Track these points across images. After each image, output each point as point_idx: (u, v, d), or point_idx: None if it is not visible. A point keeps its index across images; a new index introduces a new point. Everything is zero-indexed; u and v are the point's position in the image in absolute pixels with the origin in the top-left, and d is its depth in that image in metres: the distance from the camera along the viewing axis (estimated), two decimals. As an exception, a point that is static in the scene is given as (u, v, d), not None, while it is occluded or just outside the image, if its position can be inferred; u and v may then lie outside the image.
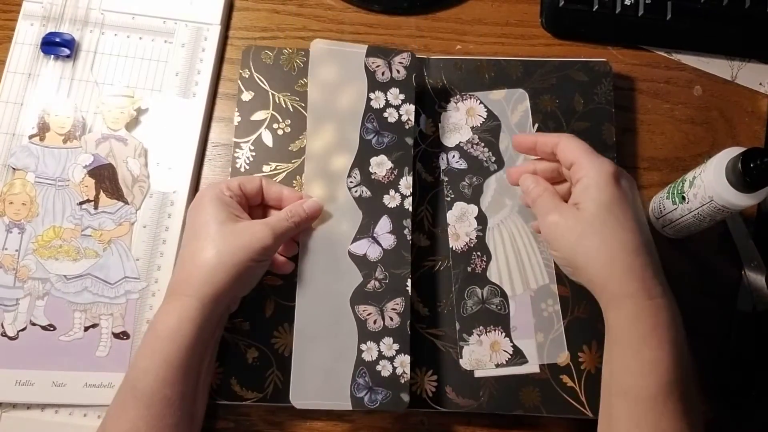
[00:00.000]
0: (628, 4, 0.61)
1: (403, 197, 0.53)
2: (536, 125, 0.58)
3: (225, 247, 0.45)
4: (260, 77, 0.58)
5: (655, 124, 0.61)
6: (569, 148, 0.48)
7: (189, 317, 0.43)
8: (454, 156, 0.57)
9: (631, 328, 0.42)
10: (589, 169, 0.46)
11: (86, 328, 0.52)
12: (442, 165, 0.56)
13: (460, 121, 0.57)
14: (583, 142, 0.48)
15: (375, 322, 0.50)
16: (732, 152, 0.47)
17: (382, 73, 0.55)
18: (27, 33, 0.58)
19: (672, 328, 0.41)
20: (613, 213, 0.44)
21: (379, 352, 0.49)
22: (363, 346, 0.49)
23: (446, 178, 0.56)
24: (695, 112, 0.61)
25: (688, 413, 0.41)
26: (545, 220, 0.47)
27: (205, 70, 0.58)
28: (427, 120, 0.58)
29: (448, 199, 0.55)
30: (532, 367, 0.52)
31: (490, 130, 0.57)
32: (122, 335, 0.52)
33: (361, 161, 0.53)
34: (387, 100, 0.54)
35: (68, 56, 0.57)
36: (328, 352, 0.49)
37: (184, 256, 0.47)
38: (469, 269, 0.54)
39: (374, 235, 0.52)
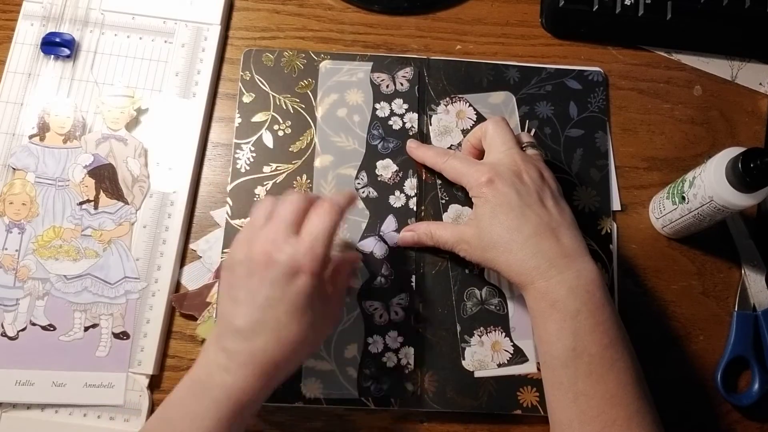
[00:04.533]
0: (628, 4, 0.61)
1: (408, 198, 0.56)
2: (533, 130, 0.58)
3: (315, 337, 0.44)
4: (261, 79, 0.58)
5: (655, 124, 0.61)
6: (487, 137, 0.52)
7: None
8: None
9: (536, 306, 0.46)
10: (470, 183, 0.50)
11: (86, 328, 0.52)
12: None
13: (451, 123, 0.58)
14: (500, 136, 0.51)
15: (381, 316, 0.53)
16: (732, 152, 0.48)
17: (387, 86, 0.58)
18: (27, 33, 0.58)
19: (574, 300, 0.44)
20: (496, 216, 0.47)
21: (385, 344, 0.52)
22: (369, 339, 0.52)
23: (440, 181, 0.56)
24: (695, 112, 0.61)
25: (605, 375, 0.43)
26: (462, 253, 0.51)
27: (205, 70, 0.58)
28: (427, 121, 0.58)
29: (443, 201, 0.56)
30: (530, 366, 0.52)
31: None
32: (122, 335, 0.52)
33: (368, 164, 0.56)
34: (392, 110, 0.57)
35: (68, 56, 0.57)
36: (337, 345, 0.52)
37: (267, 322, 0.41)
38: (467, 270, 0.54)
39: (380, 233, 0.55)
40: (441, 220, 0.55)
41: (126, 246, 0.54)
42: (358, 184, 0.56)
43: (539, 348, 0.47)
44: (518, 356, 0.52)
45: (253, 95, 0.58)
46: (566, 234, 0.47)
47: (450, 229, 0.52)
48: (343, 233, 0.54)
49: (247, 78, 0.58)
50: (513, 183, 0.48)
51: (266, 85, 0.58)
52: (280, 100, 0.58)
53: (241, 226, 0.54)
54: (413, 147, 0.56)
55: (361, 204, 0.55)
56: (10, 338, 0.51)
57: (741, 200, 0.47)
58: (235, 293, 0.42)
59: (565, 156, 0.58)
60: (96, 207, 0.54)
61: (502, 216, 0.47)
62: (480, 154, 0.53)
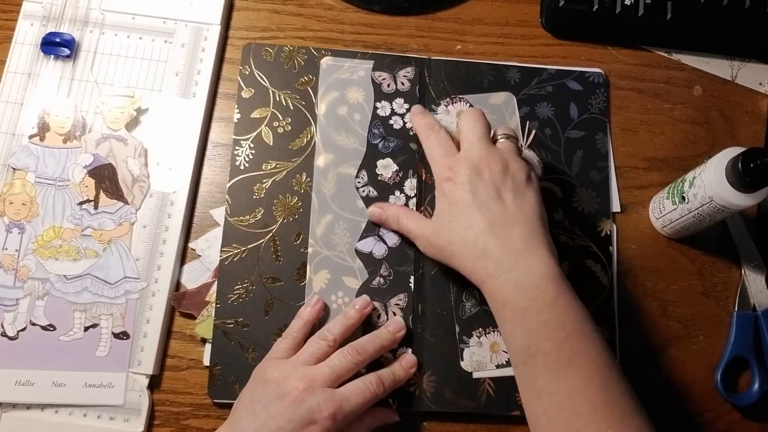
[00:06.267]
0: (628, 4, 0.61)
1: (408, 198, 0.55)
2: (533, 131, 0.58)
3: None
4: (260, 74, 0.58)
5: (655, 124, 0.61)
6: (460, 129, 0.52)
7: None
8: None
9: (492, 305, 0.47)
10: (435, 174, 0.51)
11: (86, 328, 0.52)
12: None
13: (451, 124, 0.58)
14: (472, 131, 0.50)
15: (379, 317, 0.53)
16: (732, 152, 0.48)
17: (388, 85, 0.58)
18: (27, 33, 0.58)
19: (522, 296, 0.44)
20: (453, 214, 0.48)
21: None
22: None
23: None
24: (695, 112, 0.61)
25: (564, 371, 0.42)
26: (419, 246, 0.52)
27: (205, 70, 0.58)
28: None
29: None
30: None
31: None
32: (122, 335, 0.52)
33: (368, 163, 0.56)
34: (392, 109, 0.57)
35: (68, 56, 0.57)
36: None
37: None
38: None
39: (380, 233, 0.54)
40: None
41: (126, 246, 0.54)
42: (359, 183, 0.56)
43: (505, 346, 0.47)
44: (518, 356, 0.52)
45: (253, 90, 0.58)
46: (520, 230, 0.46)
47: (416, 221, 0.52)
48: (344, 234, 0.54)
49: (247, 73, 0.58)
50: (471, 179, 0.48)
51: (266, 81, 0.58)
52: (279, 96, 0.58)
53: (240, 224, 0.54)
54: (417, 112, 0.55)
55: (361, 204, 0.55)
56: (10, 338, 0.51)
57: (741, 200, 0.47)
58: (255, 407, 0.45)
59: (565, 157, 0.58)
60: (96, 207, 0.54)
61: (456, 214, 0.48)
62: None
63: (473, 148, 0.49)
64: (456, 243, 0.47)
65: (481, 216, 0.47)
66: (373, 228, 0.55)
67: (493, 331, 0.53)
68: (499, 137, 0.52)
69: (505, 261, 0.45)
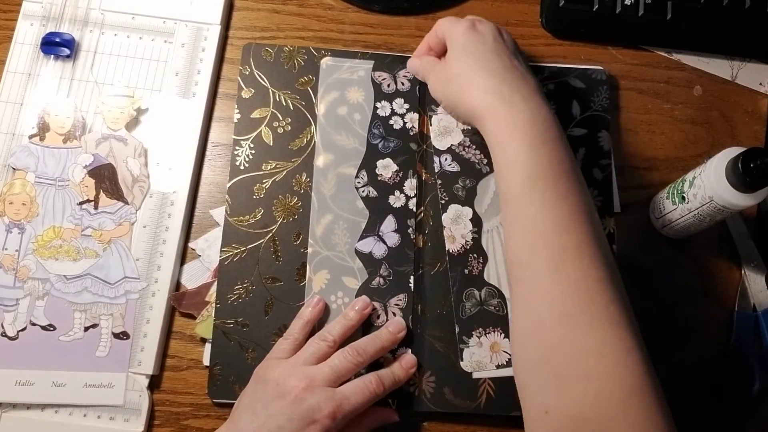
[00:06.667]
0: (629, 3, 0.61)
1: (408, 198, 0.55)
2: None
3: None
4: (260, 74, 0.58)
5: (655, 124, 0.61)
6: (441, 30, 0.54)
7: None
8: (446, 159, 0.57)
9: (495, 133, 0.47)
10: (450, 32, 0.52)
11: (86, 328, 0.52)
12: (436, 168, 0.57)
13: (451, 124, 0.58)
14: (451, 18, 0.54)
15: (378, 317, 0.52)
16: (732, 152, 0.47)
17: (388, 85, 0.58)
18: (27, 33, 0.58)
19: (533, 127, 0.45)
20: (468, 50, 0.50)
21: None
22: None
23: (440, 181, 0.56)
24: (695, 112, 0.61)
25: (558, 203, 0.43)
26: (429, 85, 0.55)
27: (205, 70, 0.58)
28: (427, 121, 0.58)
29: (443, 201, 0.56)
30: (531, 367, 0.52)
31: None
32: (122, 335, 0.52)
33: (368, 163, 0.56)
34: (392, 109, 0.57)
35: (68, 56, 0.57)
36: None
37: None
38: (466, 271, 0.54)
39: (380, 233, 0.54)
40: (441, 220, 0.55)
41: (126, 246, 0.54)
42: (358, 183, 0.55)
43: (498, 185, 0.47)
44: (518, 356, 0.52)
45: (253, 90, 0.58)
46: (527, 75, 0.49)
47: (433, 65, 0.55)
48: (343, 234, 0.54)
49: (247, 73, 0.58)
50: (489, 29, 0.52)
51: (266, 81, 0.58)
52: (279, 96, 0.58)
53: (240, 224, 0.54)
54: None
55: (360, 204, 0.55)
56: (10, 338, 0.51)
57: (741, 200, 0.47)
58: (255, 406, 0.45)
59: None
60: (96, 207, 0.54)
61: (471, 49, 0.50)
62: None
63: (466, 21, 0.52)
64: (465, 75, 0.49)
65: (498, 56, 0.49)
66: (373, 228, 0.55)
67: (493, 332, 0.53)
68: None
69: (522, 91, 0.47)
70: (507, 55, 0.50)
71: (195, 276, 0.54)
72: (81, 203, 0.54)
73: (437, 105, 0.58)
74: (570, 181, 0.45)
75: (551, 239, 0.43)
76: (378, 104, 0.57)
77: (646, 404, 0.38)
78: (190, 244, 0.55)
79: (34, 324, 0.51)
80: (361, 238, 0.54)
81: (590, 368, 0.39)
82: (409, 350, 0.52)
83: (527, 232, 0.44)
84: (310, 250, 0.54)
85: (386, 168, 0.56)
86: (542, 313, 0.42)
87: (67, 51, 0.57)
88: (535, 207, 0.44)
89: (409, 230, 0.55)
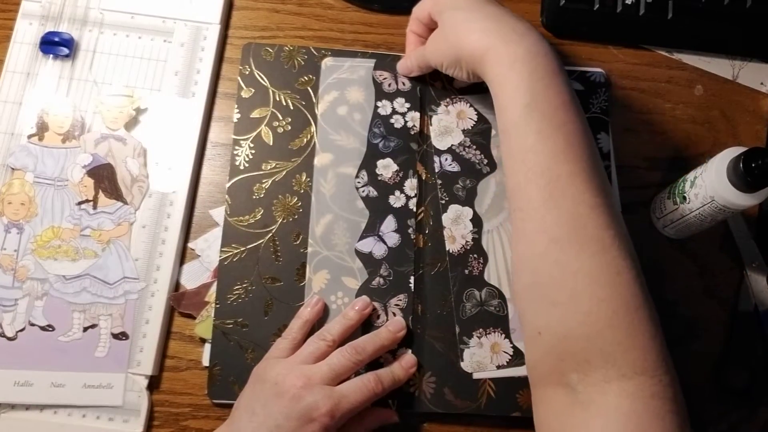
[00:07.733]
0: (629, 3, 0.61)
1: (408, 198, 0.55)
2: None
3: None
4: (260, 74, 0.58)
5: (656, 123, 0.60)
6: (421, 11, 0.55)
7: None
8: (447, 159, 0.57)
9: (495, 72, 0.47)
10: (432, 3, 0.53)
11: (85, 329, 0.52)
12: (436, 168, 0.56)
13: (452, 124, 0.57)
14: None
15: (378, 317, 0.52)
16: (733, 152, 0.47)
17: (389, 85, 0.58)
18: (26, 32, 0.58)
19: (531, 60, 0.46)
20: (458, 6, 0.50)
21: None
22: None
23: (440, 181, 0.56)
24: (696, 112, 0.61)
25: (554, 133, 0.44)
26: (428, 55, 0.54)
27: (204, 69, 0.58)
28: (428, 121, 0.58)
29: (443, 201, 0.55)
30: (532, 367, 0.52)
31: (480, 132, 0.58)
32: (121, 336, 0.52)
33: (368, 163, 0.56)
34: (393, 108, 0.57)
35: (67, 56, 0.57)
36: None
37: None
38: (466, 272, 0.54)
39: (380, 233, 0.54)
40: (441, 220, 0.55)
41: (125, 246, 0.54)
42: (358, 183, 0.55)
43: (498, 122, 0.48)
44: (518, 358, 0.52)
45: (253, 90, 0.57)
46: (520, 17, 0.49)
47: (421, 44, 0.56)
48: (343, 234, 0.54)
49: (247, 72, 0.58)
50: None
51: (266, 80, 0.58)
52: (279, 95, 0.57)
53: (239, 224, 0.54)
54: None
55: (360, 204, 0.55)
56: (9, 339, 0.51)
57: (742, 200, 0.47)
58: (254, 405, 0.45)
59: None
60: (95, 207, 0.54)
61: (460, 3, 0.50)
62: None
63: None
64: (460, 24, 0.49)
65: (487, 4, 0.50)
66: (373, 228, 0.54)
67: (494, 332, 0.53)
68: None
69: (519, 29, 0.47)
70: (495, 2, 0.51)
71: (194, 276, 0.54)
72: (80, 203, 0.54)
73: (437, 105, 0.58)
74: (567, 112, 0.45)
75: (546, 168, 0.43)
76: (379, 103, 0.57)
77: (633, 322, 0.40)
78: (190, 244, 0.55)
79: (32, 324, 0.51)
80: (361, 238, 0.54)
81: (578, 291, 0.41)
82: (409, 350, 0.52)
83: (524, 161, 0.44)
84: (309, 250, 0.54)
85: (386, 168, 0.56)
86: (536, 239, 0.43)
87: (66, 50, 0.57)
88: (531, 137, 0.44)
89: (410, 230, 0.54)
